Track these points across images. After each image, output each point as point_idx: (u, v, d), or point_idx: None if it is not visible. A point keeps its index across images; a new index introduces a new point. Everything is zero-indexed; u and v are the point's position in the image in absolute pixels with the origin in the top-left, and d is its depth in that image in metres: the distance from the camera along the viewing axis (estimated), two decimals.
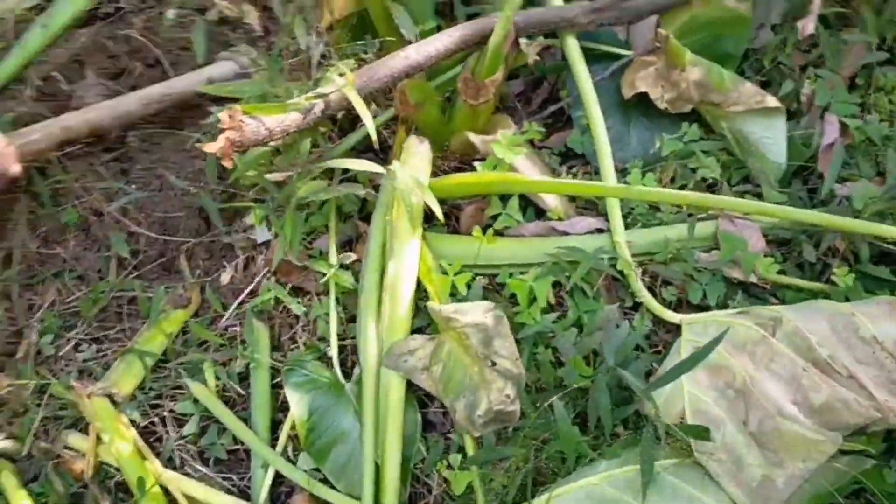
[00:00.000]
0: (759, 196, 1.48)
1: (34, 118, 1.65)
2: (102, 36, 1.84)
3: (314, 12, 1.46)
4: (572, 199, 1.53)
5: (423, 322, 1.38)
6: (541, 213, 1.52)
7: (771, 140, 1.52)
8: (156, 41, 1.80)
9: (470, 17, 1.58)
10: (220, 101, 1.44)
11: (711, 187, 1.52)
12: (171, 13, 1.69)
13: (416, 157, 1.39)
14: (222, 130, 1.09)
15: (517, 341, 1.23)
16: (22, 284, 1.61)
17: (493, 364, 1.15)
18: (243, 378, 1.44)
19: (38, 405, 1.45)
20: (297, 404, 1.32)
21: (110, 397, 1.38)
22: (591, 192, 1.45)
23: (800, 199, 1.47)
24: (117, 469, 1.38)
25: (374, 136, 1.23)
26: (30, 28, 1.78)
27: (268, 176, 1.39)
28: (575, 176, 1.57)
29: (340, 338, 1.40)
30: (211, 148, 1.07)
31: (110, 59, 1.80)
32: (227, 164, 1.10)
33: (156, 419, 1.41)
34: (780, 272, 1.36)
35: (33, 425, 1.42)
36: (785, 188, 1.49)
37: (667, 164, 1.54)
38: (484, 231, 1.39)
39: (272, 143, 1.20)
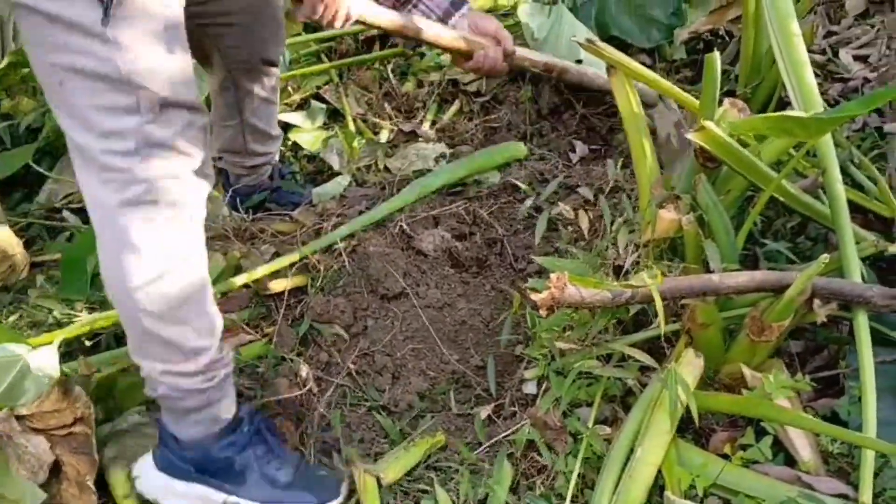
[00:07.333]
0: None
1: None
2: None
3: (637, 228, 1.75)
4: (826, 460, 1.58)
5: None
6: (791, 464, 1.58)
7: None
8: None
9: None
10: None
11: None
12: (524, 208, 2.12)
13: (688, 368, 1.56)
14: (549, 288, 1.36)
15: None
16: None
17: None
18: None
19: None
20: None
21: (377, 478, 1.62)
22: (851, 440, 1.49)
23: None
24: None
25: (662, 329, 1.43)
26: None
27: (557, 343, 1.64)
28: (833, 443, 1.62)
29: (573, 499, 1.54)
30: (536, 297, 1.35)
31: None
32: (542, 313, 1.36)
33: None
34: None
35: None
36: None
37: None
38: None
39: (580, 309, 1.45)
